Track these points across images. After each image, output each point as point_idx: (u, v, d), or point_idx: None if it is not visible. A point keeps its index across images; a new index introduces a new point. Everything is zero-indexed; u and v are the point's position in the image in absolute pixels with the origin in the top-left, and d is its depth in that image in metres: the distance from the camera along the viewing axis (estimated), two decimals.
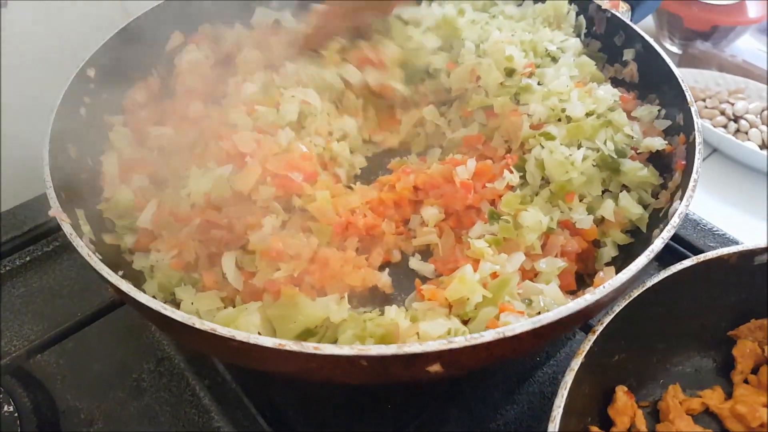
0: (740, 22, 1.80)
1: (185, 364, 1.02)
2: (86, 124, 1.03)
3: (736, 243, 1.18)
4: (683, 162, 0.93)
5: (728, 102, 1.63)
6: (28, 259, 1.18)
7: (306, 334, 0.82)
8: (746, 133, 1.57)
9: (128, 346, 1.05)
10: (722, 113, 1.61)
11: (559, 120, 1.03)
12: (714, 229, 1.19)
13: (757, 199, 1.48)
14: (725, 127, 1.59)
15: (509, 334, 0.65)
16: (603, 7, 1.18)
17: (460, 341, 0.64)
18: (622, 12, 1.18)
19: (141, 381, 1.00)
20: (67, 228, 0.80)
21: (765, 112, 1.58)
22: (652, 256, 0.75)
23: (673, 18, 1.82)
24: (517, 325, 0.65)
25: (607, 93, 1.05)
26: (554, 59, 1.13)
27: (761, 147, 1.54)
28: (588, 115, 1.02)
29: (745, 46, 1.92)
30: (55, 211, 0.83)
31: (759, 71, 1.71)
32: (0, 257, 1.15)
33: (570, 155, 0.97)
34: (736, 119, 1.59)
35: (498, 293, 0.83)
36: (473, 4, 1.26)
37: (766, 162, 1.48)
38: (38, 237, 1.19)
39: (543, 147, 0.99)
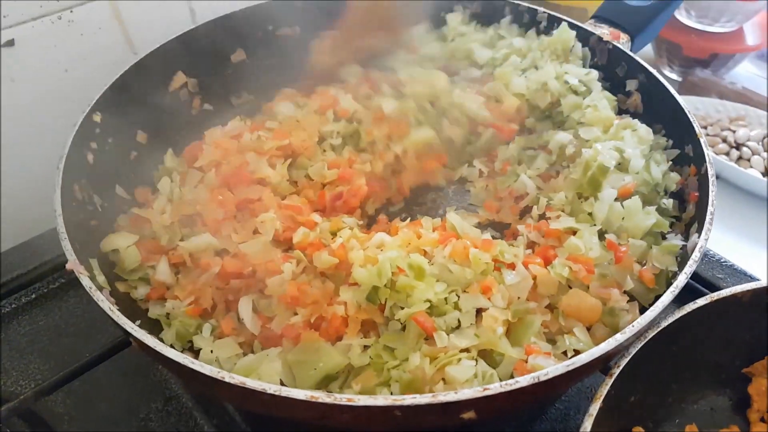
0: (739, 49, 1.82)
1: (193, 404, 1.01)
2: (94, 170, 1.03)
3: (744, 274, 1.18)
4: (696, 194, 0.93)
5: (729, 129, 1.64)
6: (33, 296, 1.17)
7: (327, 380, 0.81)
8: (748, 160, 1.57)
9: (135, 385, 1.04)
10: (724, 140, 1.62)
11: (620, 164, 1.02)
12: (722, 260, 1.19)
13: (760, 226, 1.48)
14: (727, 154, 1.60)
15: (543, 378, 0.65)
16: (604, 39, 1.19)
17: (495, 388, 0.64)
18: (623, 43, 1.19)
19: (149, 421, 0.99)
20: (86, 281, 0.80)
21: (766, 139, 1.59)
22: (676, 292, 0.76)
23: (673, 46, 1.84)
24: (551, 369, 0.66)
25: (648, 132, 1.07)
26: (576, 93, 1.15)
27: (764, 174, 1.54)
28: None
29: (745, 72, 1.94)
30: (73, 264, 0.82)
31: (759, 98, 1.73)
32: (5, 296, 1.15)
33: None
34: (737, 146, 1.60)
35: (523, 335, 0.82)
36: (481, 38, 1.27)
37: None
38: (43, 275, 1.17)
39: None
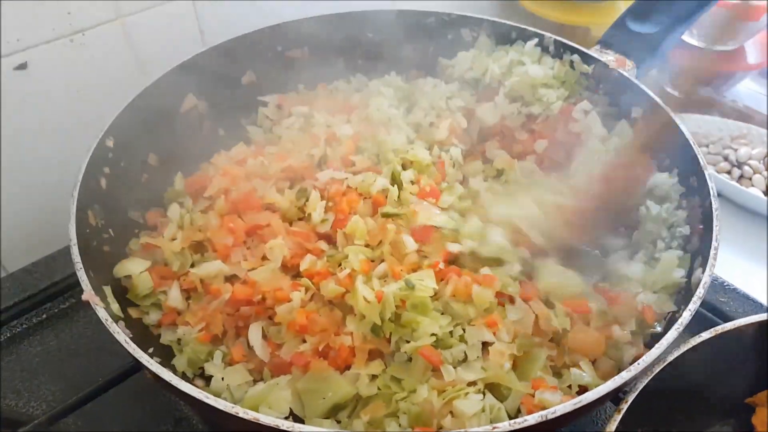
0: (740, 67, 1.83)
1: (203, 425, 1.02)
2: (107, 195, 1.04)
3: (747, 297, 1.19)
4: (701, 227, 0.95)
5: (731, 147, 1.65)
6: (44, 317, 1.18)
7: (336, 409, 0.83)
8: (750, 179, 1.59)
9: (145, 406, 1.05)
10: (725, 159, 1.63)
11: None
12: (725, 284, 1.20)
13: (762, 245, 1.49)
14: (729, 173, 1.61)
15: (551, 417, 0.67)
16: (610, 66, 1.20)
17: (504, 426, 0.66)
18: (628, 69, 1.21)
19: None
20: (102, 313, 0.81)
21: None
22: (681, 329, 0.77)
23: (674, 64, 1.85)
24: (559, 407, 0.68)
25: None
26: None
27: (765, 193, 1.56)
28: None
29: (746, 90, 1.95)
30: (89, 296, 0.83)
31: (760, 116, 1.74)
32: (16, 316, 1.15)
33: None
34: (739, 165, 1.61)
35: (530, 369, 0.84)
36: (499, 64, 1.28)
37: None
38: (54, 295, 1.18)
39: None
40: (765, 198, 1.51)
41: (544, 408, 0.78)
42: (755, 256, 1.45)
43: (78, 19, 1.17)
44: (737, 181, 1.58)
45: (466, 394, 0.81)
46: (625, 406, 0.74)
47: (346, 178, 1.10)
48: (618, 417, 0.73)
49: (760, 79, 1.97)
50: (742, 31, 1.79)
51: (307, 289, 0.96)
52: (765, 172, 1.58)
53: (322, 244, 1.04)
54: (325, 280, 0.96)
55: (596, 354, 0.88)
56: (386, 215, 1.04)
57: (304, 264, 0.99)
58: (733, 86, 1.90)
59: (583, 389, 0.85)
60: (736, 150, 1.63)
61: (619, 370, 0.76)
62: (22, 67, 1.15)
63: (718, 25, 1.77)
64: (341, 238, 1.03)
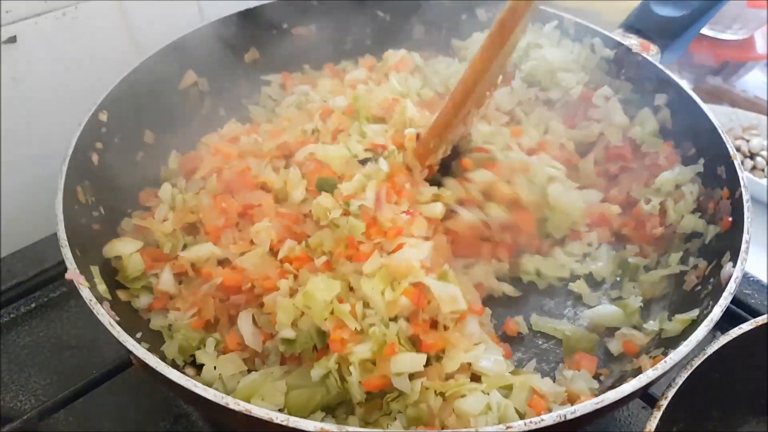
0: (750, 57, 1.81)
1: (203, 422, 0.97)
2: (98, 171, 0.99)
3: None
4: (730, 219, 0.90)
5: (743, 138, 1.62)
6: (33, 306, 1.12)
7: (327, 410, 0.80)
8: (762, 170, 1.56)
9: (142, 402, 0.99)
10: (738, 150, 1.60)
11: None
12: (748, 275, 1.16)
13: None
14: (741, 164, 1.58)
15: (570, 416, 0.64)
16: (633, 50, 1.15)
17: (519, 426, 0.63)
18: (652, 54, 1.16)
19: None
20: (86, 293, 0.77)
21: None
22: (711, 326, 0.75)
23: (684, 53, 1.82)
24: (579, 406, 0.65)
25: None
26: None
27: None
28: None
29: (754, 80, 1.92)
30: (72, 273, 0.79)
31: None
32: (3, 305, 1.09)
33: None
34: (752, 156, 1.58)
35: None
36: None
37: None
38: (44, 282, 1.12)
39: None
40: None
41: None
42: None
43: None
44: (750, 172, 1.55)
45: (463, 395, 0.77)
46: (664, 403, 0.70)
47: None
48: (658, 414, 0.69)
49: None
50: (752, 19, 1.76)
51: (295, 277, 0.91)
52: None
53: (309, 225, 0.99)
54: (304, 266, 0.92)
55: None
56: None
57: (283, 251, 0.94)
58: (742, 76, 1.87)
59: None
60: (748, 141, 1.60)
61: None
62: (12, 40, 1.09)
63: (728, 12, 1.74)
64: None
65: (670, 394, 0.71)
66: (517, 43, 0.96)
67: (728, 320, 0.87)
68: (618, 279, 1.06)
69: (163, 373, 0.68)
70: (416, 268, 0.84)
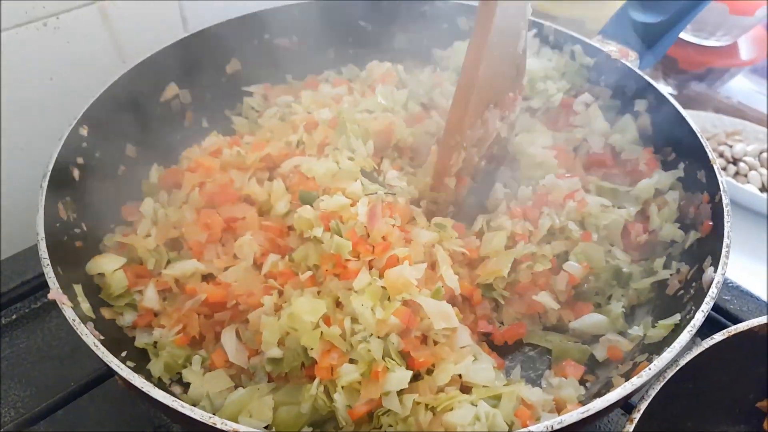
0: (734, 64, 1.82)
1: None
2: (80, 187, 0.98)
3: (750, 295, 1.16)
4: (710, 223, 0.91)
5: (726, 144, 1.63)
6: (13, 317, 1.11)
7: (316, 425, 0.80)
8: (745, 175, 1.57)
9: (122, 413, 0.98)
10: (721, 155, 1.61)
11: None
12: (728, 281, 1.16)
13: (758, 242, 1.47)
14: (724, 169, 1.59)
15: (557, 426, 0.65)
16: (612, 57, 1.16)
17: None
18: (631, 60, 1.17)
19: None
20: (69, 313, 0.76)
21: (764, 154, 1.58)
22: (693, 331, 0.75)
23: (668, 59, 1.83)
24: (566, 416, 0.66)
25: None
26: None
27: (761, 190, 1.53)
28: None
29: (738, 86, 1.93)
30: (55, 293, 0.78)
31: (754, 112, 1.72)
32: None
33: None
34: (735, 162, 1.59)
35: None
36: None
37: (767, 205, 1.48)
38: (24, 294, 1.12)
39: None
40: (762, 195, 1.49)
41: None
42: (753, 254, 1.43)
43: (52, 2, 1.10)
44: (733, 178, 1.56)
45: (452, 408, 0.77)
46: (637, 415, 0.70)
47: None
48: (631, 427, 0.69)
49: (754, 76, 1.96)
50: (736, 26, 1.77)
51: (280, 293, 0.90)
52: (762, 169, 1.56)
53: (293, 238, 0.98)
54: (289, 281, 0.91)
55: None
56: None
57: (266, 266, 0.93)
58: (726, 82, 1.88)
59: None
60: (731, 146, 1.61)
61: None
62: None
63: (712, 19, 1.75)
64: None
65: (643, 407, 0.71)
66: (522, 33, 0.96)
67: (708, 326, 0.87)
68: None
69: (149, 393, 0.68)
70: (412, 284, 0.84)
